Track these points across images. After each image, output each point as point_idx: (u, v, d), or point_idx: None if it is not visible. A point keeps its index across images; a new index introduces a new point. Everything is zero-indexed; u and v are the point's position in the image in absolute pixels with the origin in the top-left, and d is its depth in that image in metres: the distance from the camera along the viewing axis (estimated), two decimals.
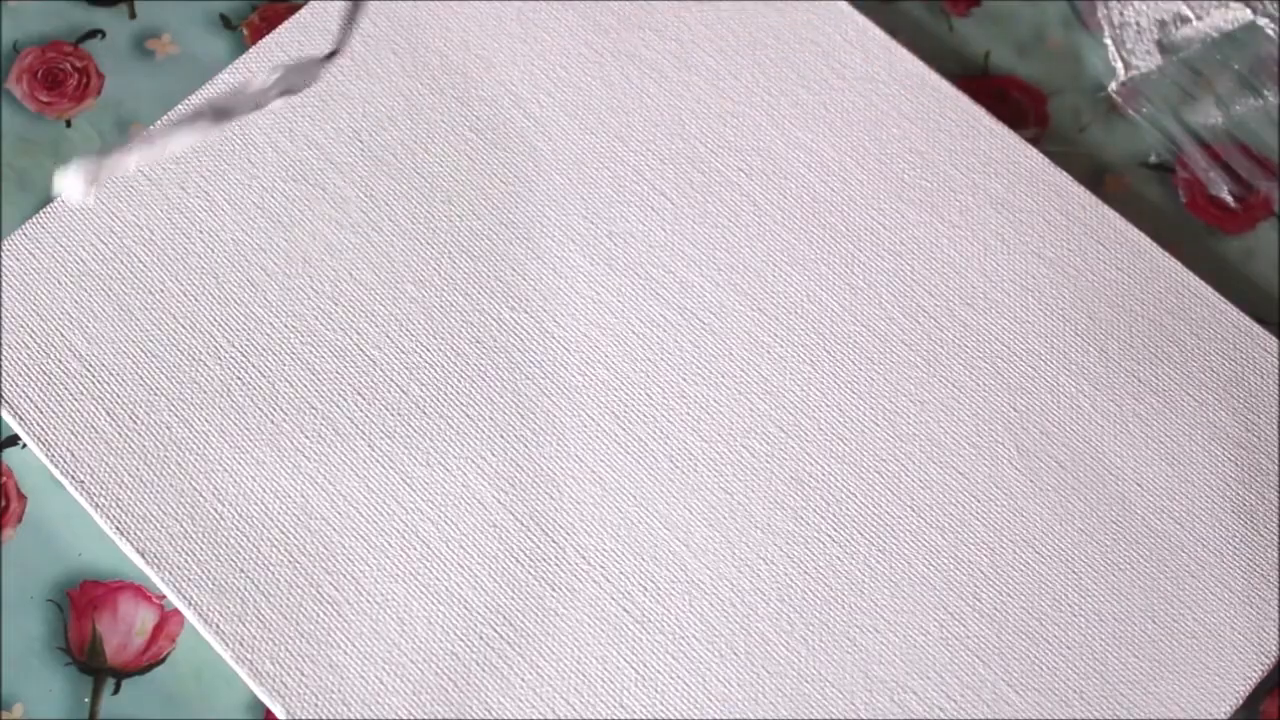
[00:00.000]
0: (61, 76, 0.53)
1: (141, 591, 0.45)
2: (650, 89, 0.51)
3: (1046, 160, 0.51)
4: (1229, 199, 0.53)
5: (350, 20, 0.41)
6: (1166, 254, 0.49)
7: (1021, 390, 0.48)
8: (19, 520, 0.46)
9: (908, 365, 0.48)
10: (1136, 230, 0.50)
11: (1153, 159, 0.54)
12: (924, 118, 0.51)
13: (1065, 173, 0.50)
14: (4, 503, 0.46)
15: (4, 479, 0.47)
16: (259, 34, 0.54)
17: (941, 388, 0.47)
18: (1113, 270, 0.49)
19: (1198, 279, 0.49)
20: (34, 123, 0.52)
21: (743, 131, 0.51)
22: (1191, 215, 0.53)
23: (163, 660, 0.45)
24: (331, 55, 0.41)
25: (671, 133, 0.51)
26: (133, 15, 0.54)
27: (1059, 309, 0.49)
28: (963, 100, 0.51)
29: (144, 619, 0.45)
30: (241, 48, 0.54)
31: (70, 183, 0.36)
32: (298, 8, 0.54)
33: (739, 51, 0.52)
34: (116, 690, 0.44)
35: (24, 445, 0.47)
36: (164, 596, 0.45)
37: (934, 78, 0.52)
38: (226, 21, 0.54)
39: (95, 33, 0.54)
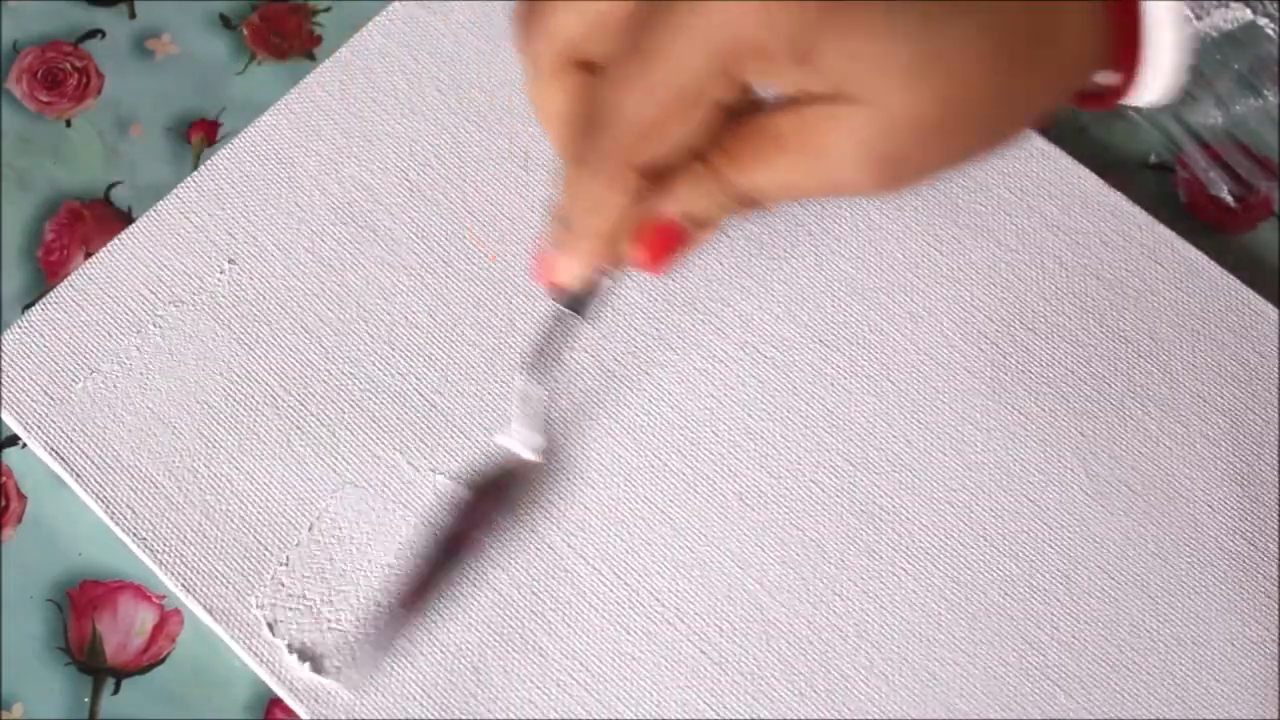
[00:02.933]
0: (61, 76, 0.52)
1: (141, 591, 0.45)
2: None
3: (1100, 181, 0.50)
4: (1229, 199, 0.53)
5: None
6: (1225, 272, 0.49)
7: (1087, 414, 0.47)
8: (19, 520, 0.46)
9: (973, 393, 0.47)
10: (1194, 249, 0.50)
11: (1153, 159, 0.54)
12: None
13: (1120, 194, 0.50)
14: (4, 503, 0.46)
15: (4, 479, 0.46)
16: (259, 34, 0.54)
17: (1007, 414, 0.47)
18: (1172, 290, 0.49)
19: (1258, 297, 0.49)
20: (34, 123, 0.52)
21: None
22: (1191, 215, 0.53)
23: (163, 660, 0.45)
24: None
25: None
26: (133, 15, 0.54)
27: (1120, 331, 0.48)
28: None
29: (144, 619, 0.45)
30: (242, 47, 0.53)
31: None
32: (299, 7, 0.54)
33: None
34: (116, 690, 0.44)
35: (25, 445, 0.47)
36: (164, 596, 0.45)
37: None
38: (226, 21, 0.54)
39: (95, 33, 0.53)
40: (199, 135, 0.52)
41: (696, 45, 0.31)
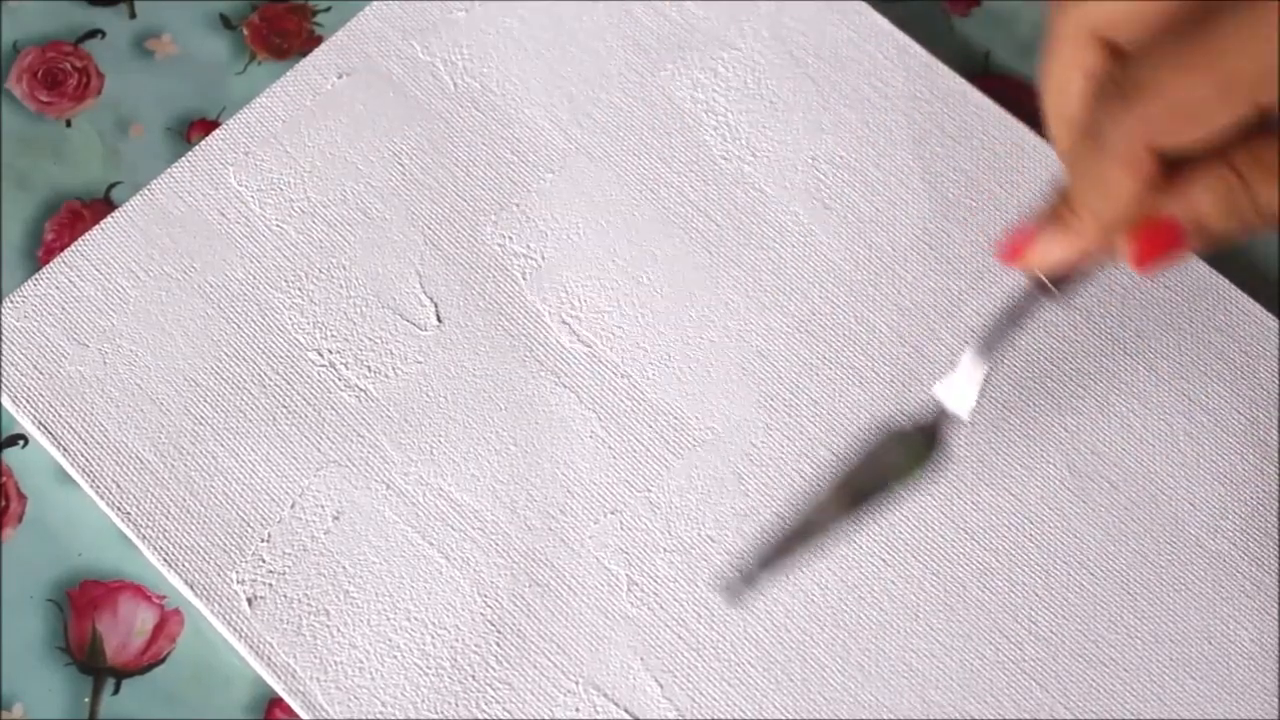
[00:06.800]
0: (61, 76, 0.53)
1: (142, 591, 0.45)
2: (692, 110, 0.51)
3: None
4: None
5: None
6: (1213, 270, 0.49)
7: (1072, 410, 0.47)
8: (19, 520, 0.46)
9: None
10: None
11: None
12: (967, 136, 0.51)
13: None
14: (4, 503, 0.46)
15: (4, 479, 0.47)
16: (259, 34, 0.54)
17: (992, 409, 0.47)
18: (1160, 288, 0.49)
19: (1245, 296, 0.49)
20: (34, 123, 0.52)
21: (786, 151, 0.51)
22: None
23: (163, 660, 0.45)
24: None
25: (714, 153, 0.50)
26: (133, 15, 0.54)
27: (1107, 328, 0.48)
28: (1006, 118, 0.51)
29: (144, 619, 0.45)
30: (242, 47, 0.53)
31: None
32: (299, 7, 0.54)
33: (780, 71, 0.52)
34: (116, 690, 0.44)
35: (24, 445, 0.47)
36: (164, 596, 0.45)
37: (977, 95, 0.52)
38: (226, 21, 0.54)
39: (95, 33, 0.54)
40: (199, 135, 0.52)
41: (1260, 39, 0.30)
